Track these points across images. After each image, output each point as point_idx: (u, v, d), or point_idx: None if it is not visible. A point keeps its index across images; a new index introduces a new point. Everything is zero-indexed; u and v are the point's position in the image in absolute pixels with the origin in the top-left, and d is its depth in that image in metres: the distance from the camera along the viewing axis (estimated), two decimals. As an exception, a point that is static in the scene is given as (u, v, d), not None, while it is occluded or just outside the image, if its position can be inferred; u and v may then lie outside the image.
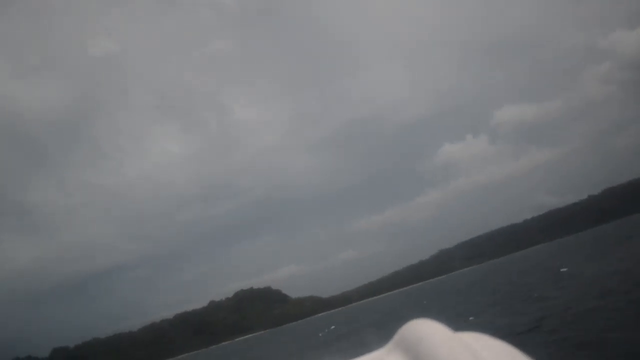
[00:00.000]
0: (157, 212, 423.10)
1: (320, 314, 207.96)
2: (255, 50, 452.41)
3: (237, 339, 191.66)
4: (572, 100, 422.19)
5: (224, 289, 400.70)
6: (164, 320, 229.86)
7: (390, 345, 0.78)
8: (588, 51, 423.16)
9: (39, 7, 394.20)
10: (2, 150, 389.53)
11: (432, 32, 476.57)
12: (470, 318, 24.66)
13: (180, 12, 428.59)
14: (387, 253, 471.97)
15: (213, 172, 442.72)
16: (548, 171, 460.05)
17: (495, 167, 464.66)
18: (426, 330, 0.72)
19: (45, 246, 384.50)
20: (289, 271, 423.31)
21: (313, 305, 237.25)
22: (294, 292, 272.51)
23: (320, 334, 55.05)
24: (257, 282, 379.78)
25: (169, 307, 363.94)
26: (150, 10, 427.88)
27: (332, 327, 56.77)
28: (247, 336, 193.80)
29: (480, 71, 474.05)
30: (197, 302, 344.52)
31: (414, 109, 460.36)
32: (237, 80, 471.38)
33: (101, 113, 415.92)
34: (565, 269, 35.97)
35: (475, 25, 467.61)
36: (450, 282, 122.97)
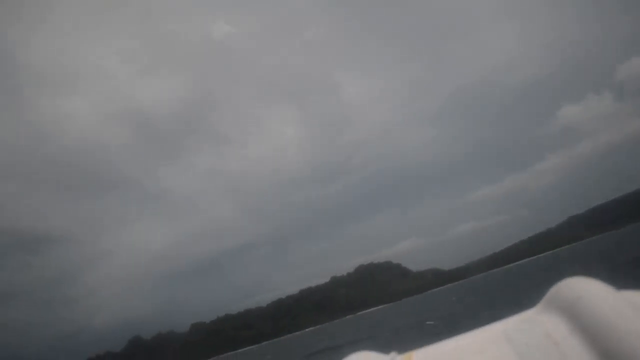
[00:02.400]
0: (279, 192, 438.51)
1: (441, 287, 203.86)
2: (359, 26, 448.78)
3: (358, 313, 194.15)
4: None
5: (345, 264, 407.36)
6: (289, 296, 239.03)
7: (541, 304, 0.72)
8: None
9: (153, 10, 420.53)
10: (138, 145, 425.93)
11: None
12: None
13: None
14: (510, 222, 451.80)
15: (329, 151, 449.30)
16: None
17: (625, 126, 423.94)
18: (585, 288, 0.65)
19: (180, 229, 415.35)
20: (409, 245, 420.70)
21: (434, 279, 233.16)
22: (414, 266, 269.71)
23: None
24: (377, 256, 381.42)
25: (294, 284, 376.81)
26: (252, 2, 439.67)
27: None
28: (368, 310, 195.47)
29: (601, 20, 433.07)
30: (319, 278, 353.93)
31: (527, 68, 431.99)
32: (346, 58, 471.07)
33: (221, 103, 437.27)
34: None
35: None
36: (572, 253, 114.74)
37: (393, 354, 0.79)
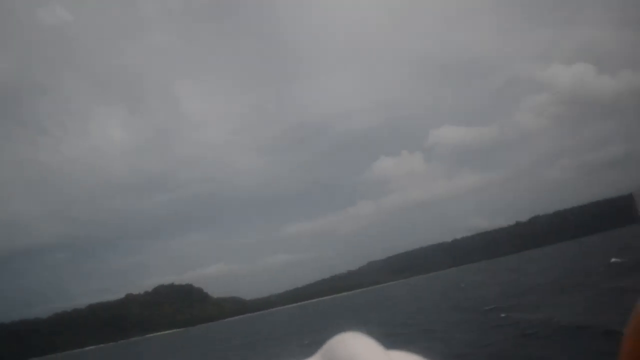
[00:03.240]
0: (89, 196, 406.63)
1: (238, 317, 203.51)
2: (209, 46, 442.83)
3: (147, 336, 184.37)
4: (507, 128, 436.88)
5: (145, 282, 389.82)
6: (75, 309, 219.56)
7: (316, 357, 0.72)
8: (527, 82, 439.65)
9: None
10: None
11: (385, 45, 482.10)
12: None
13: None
14: (317, 260, 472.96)
15: (153, 163, 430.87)
16: (479, 194, 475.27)
17: (428, 185, 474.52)
18: (355, 346, 0.68)
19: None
20: (217, 270, 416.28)
21: (234, 307, 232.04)
22: (217, 292, 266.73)
23: None
24: (181, 278, 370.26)
25: (85, 296, 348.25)
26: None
27: None
28: (158, 333, 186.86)
29: (423, 90, 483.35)
30: (114, 293, 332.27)
31: (359, 119, 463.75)
32: (190, 73, 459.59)
33: (45, 89, 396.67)
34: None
35: (426, 44, 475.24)
36: (368, 296, 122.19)
37: None
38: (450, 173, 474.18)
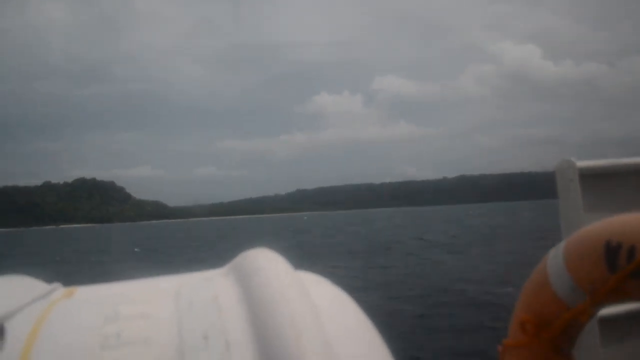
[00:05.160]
0: (17, 73, 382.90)
1: (159, 221, 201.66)
2: None
3: (62, 226, 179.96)
4: (449, 89, 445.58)
5: (66, 173, 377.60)
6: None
7: (225, 268, 0.72)
8: (477, 51, 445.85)
9: None
10: None
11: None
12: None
13: None
14: (246, 179, 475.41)
15: (93, 51, 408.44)
16: (412, 145, 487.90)
17: (364, 128, 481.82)
18: (265, 261, 0.68)
19: None
20: (142, 172, 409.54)
21: (154, 211, 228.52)
22: (140, 194, 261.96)
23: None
24: (104, 174, 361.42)
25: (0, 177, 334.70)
26: None
27: None
28: (73, 225, 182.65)
29: (377, 36, 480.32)
30: (32, 178, 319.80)
31: (309, 51, 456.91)
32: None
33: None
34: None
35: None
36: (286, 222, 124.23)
37: (56, 284, 0.66)
38: (387, 120, 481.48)
